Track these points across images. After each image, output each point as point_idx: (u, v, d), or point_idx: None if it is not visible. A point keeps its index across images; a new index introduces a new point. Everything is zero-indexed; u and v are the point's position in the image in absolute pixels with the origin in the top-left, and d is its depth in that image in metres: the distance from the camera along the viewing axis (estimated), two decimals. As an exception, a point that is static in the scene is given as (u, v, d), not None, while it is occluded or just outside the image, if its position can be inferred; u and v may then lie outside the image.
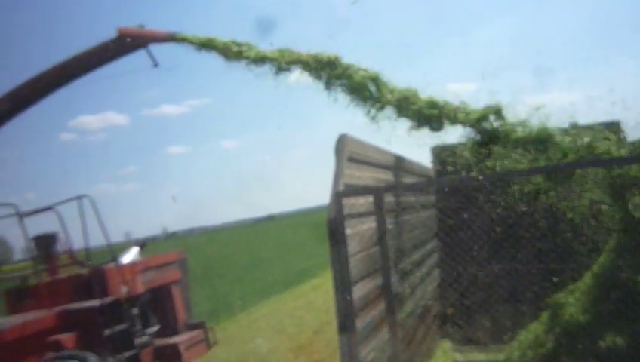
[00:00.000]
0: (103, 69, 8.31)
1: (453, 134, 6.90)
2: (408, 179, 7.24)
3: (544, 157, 5.72)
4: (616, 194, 5.47)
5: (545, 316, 5.79)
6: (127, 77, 8.42)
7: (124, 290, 7.61)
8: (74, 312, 7.18)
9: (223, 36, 7.41)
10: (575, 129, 5.94)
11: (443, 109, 6.13)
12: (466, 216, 7.48)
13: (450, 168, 8.06)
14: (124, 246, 8.48)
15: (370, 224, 5.20)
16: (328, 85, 6.60)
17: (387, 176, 6.33)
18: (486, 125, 6.04)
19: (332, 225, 4.71)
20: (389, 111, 6.54)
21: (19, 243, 8.97)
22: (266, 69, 7.25)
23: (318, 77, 6.63)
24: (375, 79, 6.49)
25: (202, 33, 7.92)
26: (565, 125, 6.93)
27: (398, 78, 6.88)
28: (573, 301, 5.42)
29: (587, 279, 5.44)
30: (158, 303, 8.35)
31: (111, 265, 7.77)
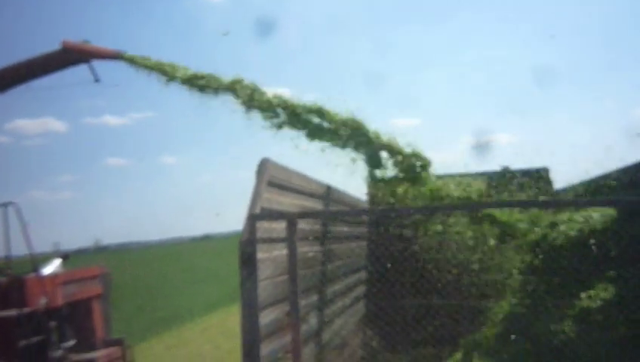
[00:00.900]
0: (44, 78, 8.34)
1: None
2: (338, 208, 7.27)
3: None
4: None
5: (457, 356, 5.87)
6: (67, 86, 8.42)
7: (42, 302, 7.46)
8: None
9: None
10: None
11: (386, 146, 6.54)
12: (392, 248, 7.55)
13: (379, 200, 8.18)
14: (49, 257, 8.28)
15: (284, 250, 5.18)
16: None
17: (313, 204, 6.34)
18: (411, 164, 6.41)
19: (244, 247, 4.68)
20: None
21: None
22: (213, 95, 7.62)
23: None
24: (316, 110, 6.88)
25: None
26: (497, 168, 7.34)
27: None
28: (484, 343, 5.51)
29: (497, 322, 5.55)
30: (76, 317, 8.17)
31: (31, 276, 7.60)
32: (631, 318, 4.69)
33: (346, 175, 7.57)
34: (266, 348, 4.75)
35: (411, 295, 6.89)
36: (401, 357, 7.11)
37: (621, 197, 6.28)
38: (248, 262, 4.66)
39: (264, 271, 4.80)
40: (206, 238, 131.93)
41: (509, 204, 6.29)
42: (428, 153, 7.27)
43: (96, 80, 8.11)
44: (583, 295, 4.99)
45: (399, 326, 6.81)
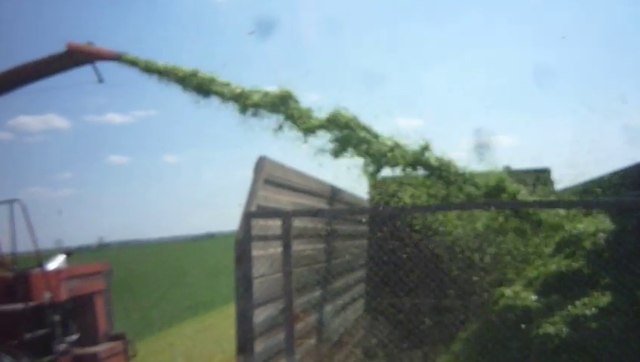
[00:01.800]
0: (48, 79, 8.53)
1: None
2: (336, 207, 7.29)
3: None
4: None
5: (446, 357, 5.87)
6: (72, 86, 8.60)
7: (47, 296, 7.58)
8: None
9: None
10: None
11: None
12: (393, 246, 7.54)
13: (379, 198, 8.19)
14: (52, 254, 8.40)
15: (280, 248, 5.21)
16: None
17: (312, 203, 6.36)
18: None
19: (239, 245, 4.72)
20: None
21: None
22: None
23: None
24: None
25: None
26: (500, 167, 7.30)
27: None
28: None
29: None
30: (79, 312, 8.30)
31: (36, 271, 7.73)
32: (629, 326, 4.64)
33: (349, 173, 7.57)
34: (260, 345, 4.79)
35: (424, 294, 6.89)
36: (404, 354, 7.11)
37: (629, 197, 6.20)
38: (243, 259, 4.70)
39: (259, 269, 4.83)
40: (209, 236, 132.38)
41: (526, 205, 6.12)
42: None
43: (100, 80, 8.34)
44: (577, 302, 4.92)
45: (407, 325, 6.81)
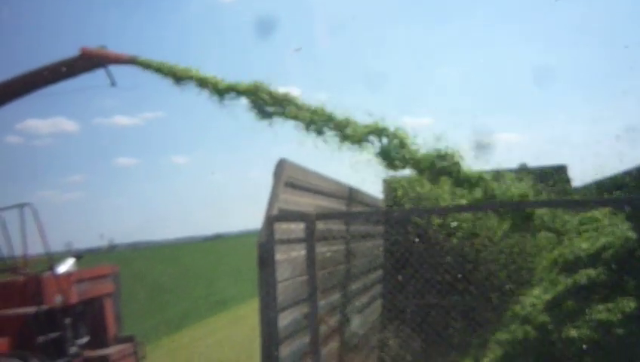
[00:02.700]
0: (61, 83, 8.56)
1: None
2: (355, 209, 7.22)
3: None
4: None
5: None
6: (77, 85, 8.61)
7: (58, 299, 7.66)
8: (9, 317, 7.27)
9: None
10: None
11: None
12: (411, 247, 7.48)
13: (398, 200, 8.12)
14: (62, 256, 8.42)
15: (302, 251, 5.13)
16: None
17: (331, 204, 6.29)
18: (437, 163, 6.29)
19: (262, 249, 4.64)
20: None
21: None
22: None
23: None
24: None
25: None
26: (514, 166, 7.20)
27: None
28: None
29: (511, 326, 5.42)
30: (89, 315, 8.39)
31: (47, 274, 7.79)
32: None
33: (360, 172, 7.48)
34: (285, 350, 4.72)
35: (441, 295, 6.84)
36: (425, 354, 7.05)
37: None
38: (267, 263, 4.62)
39: (282, 273, 4.76)
40: (217, 238, 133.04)
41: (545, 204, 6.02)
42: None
43: (113, 84, 8.40)
44: (600, 307, 4.83)
45: (424, 327, 6.76)
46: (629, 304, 4.76)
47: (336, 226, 6.30)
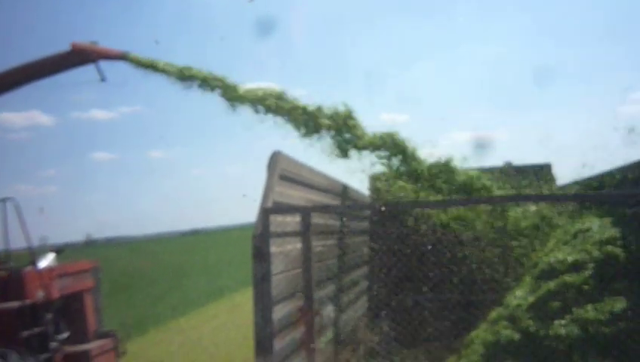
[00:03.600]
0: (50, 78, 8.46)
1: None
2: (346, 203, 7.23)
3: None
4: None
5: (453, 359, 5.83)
6: (61, 79, 8.54)
7: (40, 294, 7.51)
8: None
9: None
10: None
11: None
12: (395, 243, 7.52)
13: (382, 195, 8.16)
14: (40, 251, 8.25)
15: (296, 244, 5.11)
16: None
17: (320, 198, 6.28)
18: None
19: (257, 241, 4.60)
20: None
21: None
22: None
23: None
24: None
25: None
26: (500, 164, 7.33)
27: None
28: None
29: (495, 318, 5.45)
30: (69, 310, 8.22)
31: (29, 269, 7.63)
32: None
33: (346, 169, 7.55)
34: (279, 343, 4.69)
35: (428, 289, 6.89)
36: (409, 351, 7.08)
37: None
38: (261, 256, 4.58)
39: (277, 266, 4.73)
40: (195, 233, 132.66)
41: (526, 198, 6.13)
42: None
43: (103, 79, 8.33)
44: (589, 306, 4.88)
45: (411, 321, 6.80)
46: (616, 304, 4.81)
47: (329, 221, 6.30)
